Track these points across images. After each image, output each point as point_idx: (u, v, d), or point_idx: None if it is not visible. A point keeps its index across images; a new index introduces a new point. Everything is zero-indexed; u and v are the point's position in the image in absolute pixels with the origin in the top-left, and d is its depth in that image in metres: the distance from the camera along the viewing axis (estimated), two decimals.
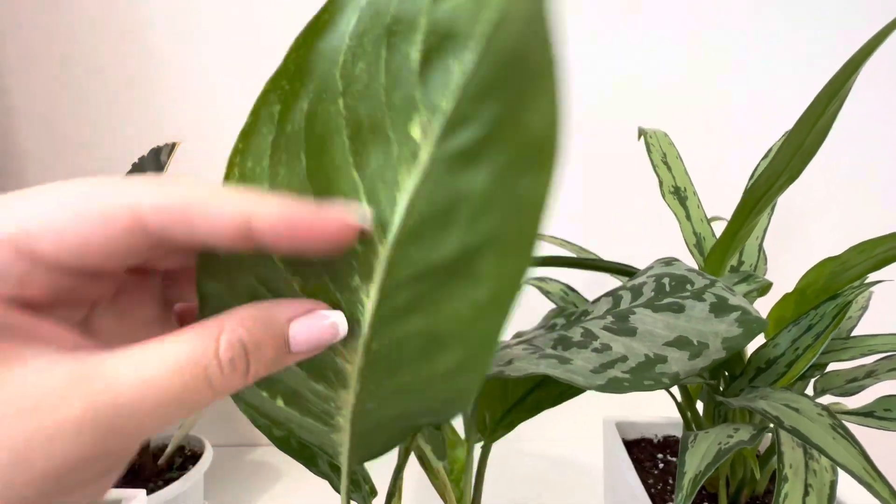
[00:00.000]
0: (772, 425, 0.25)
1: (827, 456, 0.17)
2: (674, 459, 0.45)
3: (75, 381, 0.11)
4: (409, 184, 0.13)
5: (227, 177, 0.15)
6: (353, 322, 0.15)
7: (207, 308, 0.16)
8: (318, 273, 0.15)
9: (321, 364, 0.16)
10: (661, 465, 0.45)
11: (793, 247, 0.64)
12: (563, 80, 0.12)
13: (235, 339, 0.13)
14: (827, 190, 0.64)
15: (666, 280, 0.25)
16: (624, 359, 0.20)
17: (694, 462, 0.20)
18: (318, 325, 0.14)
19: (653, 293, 0.25)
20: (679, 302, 0.24)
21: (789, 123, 0.63)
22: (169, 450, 0.53)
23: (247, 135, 0.14)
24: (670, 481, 0.42)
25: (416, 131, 0.13)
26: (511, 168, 0.13)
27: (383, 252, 0.14)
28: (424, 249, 0.14)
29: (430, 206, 0.13)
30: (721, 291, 0.24)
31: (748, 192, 0.28)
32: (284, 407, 0.17)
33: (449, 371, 0.15)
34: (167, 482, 0.49)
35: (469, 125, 0.12)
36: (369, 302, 0.15)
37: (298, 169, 0.14)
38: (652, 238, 0.65)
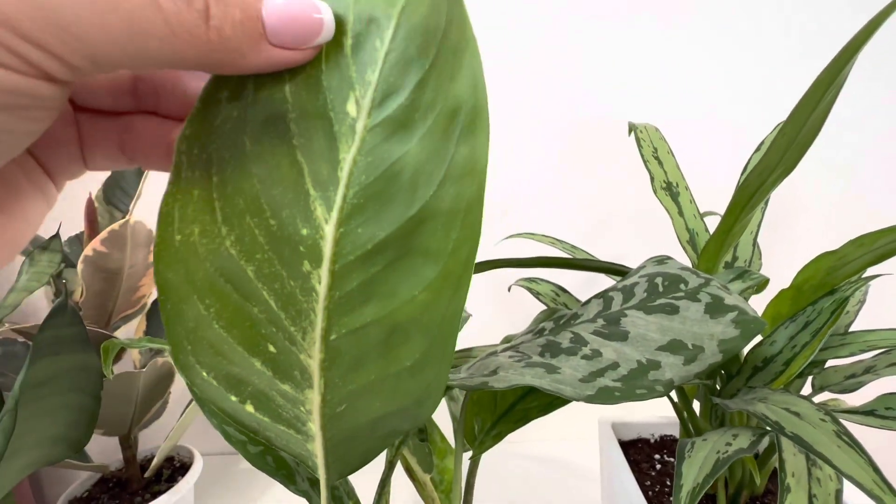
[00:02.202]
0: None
1: (833, 466, 0.16)
2: (671, 460, 0.44)
3: None
4: (348, 158, 0.14)
5: (175, 164, 0.14)
6: (309, 311, 0.15)
7: (170, 301, 0.15)
8: (270, 259, 0.15)
9: (286, 361, 0.16)
10: (658, 467, 0.44)
11: (785, 241, 0.64)
12: (478, 55, 0.14)
13: None
14: (818, 182, 0.63)
15: (659, 280, 0.24)
16: (615, 366, 0.19)
17: (691, 474, 0.19)
18: (300, 8, 0.12)
19: (645, 294, 0.24)
20: (673, 303, 0.23)
21: (780, 116, 0.62)
22: (156, 461, 0.52)
23: (192, 120, 0.14)
24: (668, 483, 0.41)
25: (351, 107, 0.13)
26: (443, 134, 0.14)
27: (329, 230, 0.14)
28: (370, 225, 0.14)
29: (369, 176, 0.14)
30: (716, 291, 0.23)
31: (742, 187, 0.27)
32: (255, 413, 0.17)
33: (414, 364, 0.16)
34: (155, 495, 0.48)
35: (397, 94, 0.13)
36: (321, 287, 0.14)
37: (243, 154, 0.14)
38: (643, 235, 0.64)
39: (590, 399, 0.18)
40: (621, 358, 0.20)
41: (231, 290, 0.15)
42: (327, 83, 0.13)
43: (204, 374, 0.16)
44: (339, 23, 0.13)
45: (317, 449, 0.17)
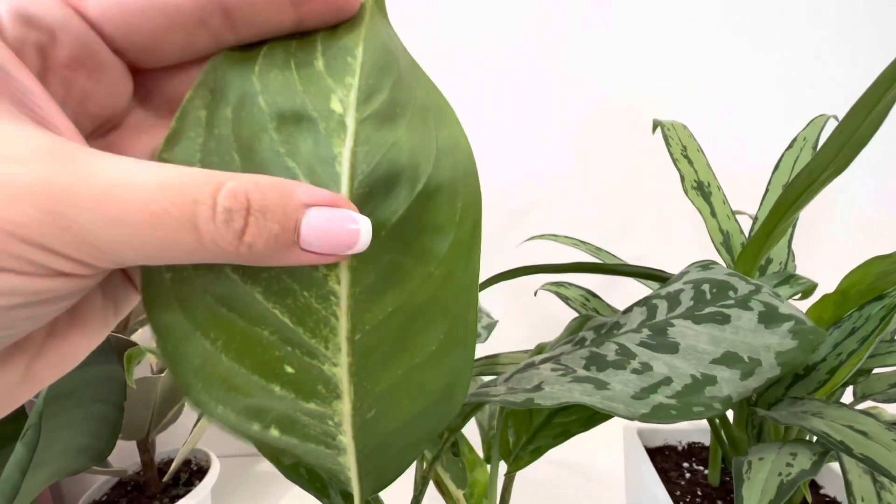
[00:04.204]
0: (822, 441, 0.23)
1: None
2: (700, 468, 0.43)
3: (44, 153, 0.10)
4: (345, 151, 0.14)
5: None
6: (329, 317, 0.15)
7: (169, 343, 0.14)
8: (278, 275, 0.14)
9: (307, 379, 0.15)
10: (687, 475, 0.42)
11: (813, 242, 0.62)
12: (426, 74, 0.16)
13: (241, 191, 0.11)
14: (850, 181, 0.61)
15: (706, 286, 0.23)
16: (668, 381, 0.18)
17: (753, 498, 0.18)
18: (339, 222, 0.12)
19: (692, 302, 0.23)
20: (723, 311, 0.21)
21: (811, 113, 0.60)
22: (174, 465, 0.51)
23: (172, 141, 0.14)
24: (699, 493, 0.40)
25: (336, 105, 0.14)
26: (422, 123, 0.15)
27: None
28: (380, 211, 0.14)
29: (370, 164, 0.14)
30: (769, 298, 0.22)
31: (789, 187, 0.26)
32: (281, 436, 0.16)
33: (439, 348, 0.16)
34: (173, 499, 0.48)
35: (378, 93, 0.15)
36: (341, 288, 0.14)
37: (234, 168, 0.14)
38: (667, 235, 0.62)
39: (644, 418, 0.17)
40: (674, 372, 0.19)
41: (236, 317, 0.14)
42: (303, 88, 0.14)
43: (220, 408, 0.15)
44: (310, 50, 0.15)
45: (349, 461, 0.17)
